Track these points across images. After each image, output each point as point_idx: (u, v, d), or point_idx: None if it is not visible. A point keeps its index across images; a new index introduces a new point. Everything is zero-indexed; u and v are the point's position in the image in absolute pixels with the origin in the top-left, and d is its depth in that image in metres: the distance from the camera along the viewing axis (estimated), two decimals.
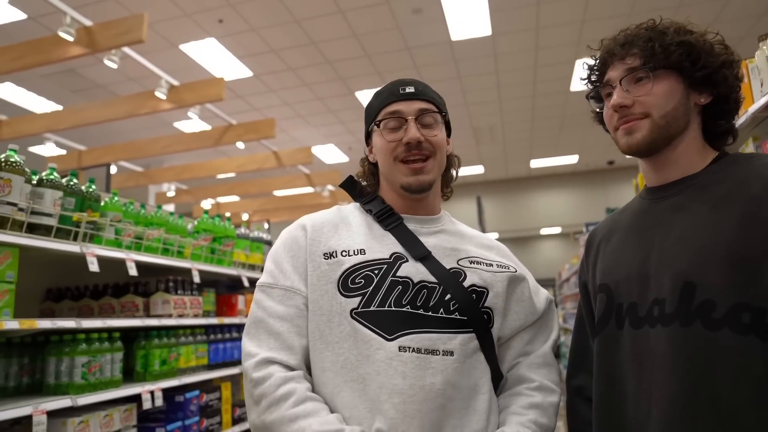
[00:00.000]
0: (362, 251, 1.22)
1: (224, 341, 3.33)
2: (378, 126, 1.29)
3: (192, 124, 9.22)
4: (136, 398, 2.56)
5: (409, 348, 1.12)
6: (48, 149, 9.31)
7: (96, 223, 2.47)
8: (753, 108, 1.91)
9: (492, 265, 1.28)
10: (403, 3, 6.27)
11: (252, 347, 1.17)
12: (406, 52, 7.46)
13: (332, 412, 1.12)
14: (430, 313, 1.16)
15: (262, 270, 1.28)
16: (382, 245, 1.24)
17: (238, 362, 3.35)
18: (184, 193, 11.73)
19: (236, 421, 3.33)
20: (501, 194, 14.33)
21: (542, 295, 1.34)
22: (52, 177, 2.26)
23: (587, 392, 1.25)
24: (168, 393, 2.81)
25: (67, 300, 2.80)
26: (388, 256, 1.22)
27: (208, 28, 6.69)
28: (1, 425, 2.06)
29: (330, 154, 11.60)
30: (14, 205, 2.04)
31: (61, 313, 2.77)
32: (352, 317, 1.15)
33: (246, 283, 3.52)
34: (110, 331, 2.52)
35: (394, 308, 1.15)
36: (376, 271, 1.19)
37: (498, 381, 1.24)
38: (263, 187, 11.39)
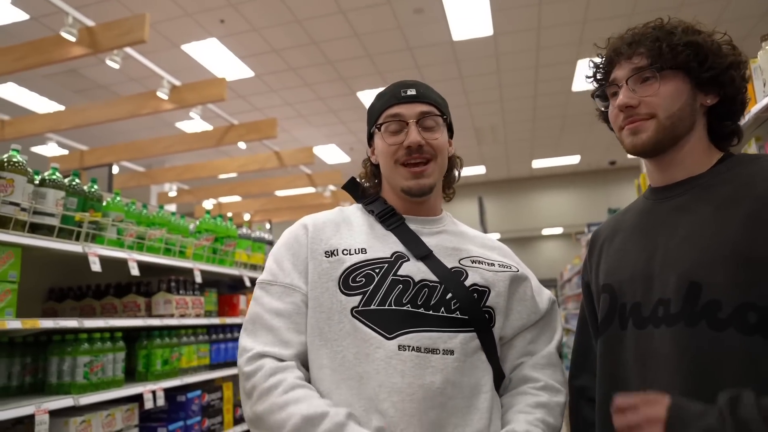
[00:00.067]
0: (363, 250, 1.23)
1: (226, 341, 3.33)
2: (379, 129, 1.29)
3: (194, 124, 9.23)
4: (138, 398, 2.56)
5: (409, 347, 1.12)
6: (50, 149, 9.33)
7: (98, 223, 2.48)
8: (756, 108, 1.91)
9: (494, 265, 1.28)
10: (405, 3, 6.27)
11: (247, 342, 1.18)
12: (408, 52, 7.46)
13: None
14: (430, 312, 1.16)
15: (263, 270, 1.28)
16: (384, 244, 1.24)
17: None
18: (186, 193, 11.74)
19: (238, 421, 3.34)
20: (502, 194, 14.32)
21: (545, 295, 1.34)
22: (54, 177, 2.27)
23: (590, 393, 1.25)
24: (170, 393, 2.81)
25: (69, 300, 2.81)
26: (389, 255, 1.22)
27: (210, 28, 6.70)
28: (3, 425, 2.06)
29: (331, 154, 11.60)
30: (17, 205, 2.04)
31: (63, 313, 2.77)
32: (353, 315, 1.16)
33: (248, 284, 3.52)
34: (112, 330, 2.53)
35: (394, 307, 1.16)
36: (377, 270, 1.19)
37: (500, 380, 1.24)
38: (265, 187, 11.40)
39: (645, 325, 1.08)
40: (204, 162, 10.36)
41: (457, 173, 1.41)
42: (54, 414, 2.08)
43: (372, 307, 1.16)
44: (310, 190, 12.16)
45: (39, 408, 1.98)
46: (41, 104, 8.52)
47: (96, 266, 2.33)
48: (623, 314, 1.14)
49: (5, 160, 2.06)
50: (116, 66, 5.40)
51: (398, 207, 1.32)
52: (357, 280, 1.19)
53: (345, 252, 1.23)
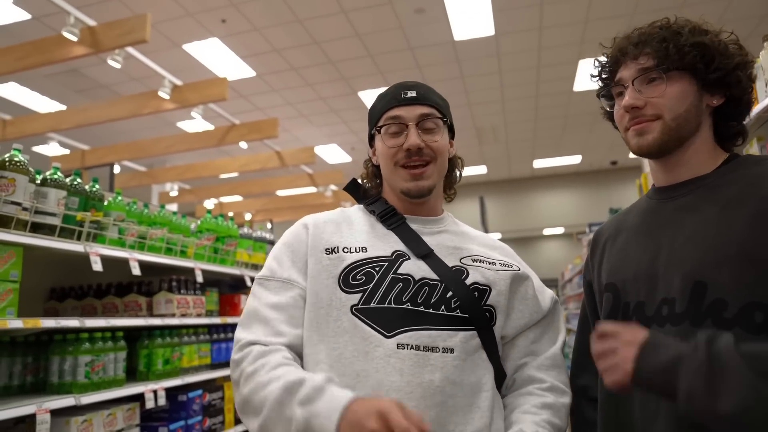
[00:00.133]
0: (364, 249, 1.23)
1: (227, 341, 3.33)
2: (379, 131, 1.30)
3: (195, 123, 9.23)
4: (139, 397, 2.56)
5: (408, 345, 1.12)
6: (52, 149, 9.34)
7: (99, 223, 2.48)
8: (757, 108, 1.91)
9: (495, 264, 1.28)
10: (406, 3, 6.27)
11: (240, 334, 1.18)
12: (409, 52, 7.45)
13: None
14: (430, 311, 1.16)
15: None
16: (384, 243, 1.25)
17: None
18: (187, 193, 11.75)
19: (239, 420, 3.34)
20: (504, 194, 14.31)
21: (547, 294, 1.34)
22: (55, 176, 2.27)
23: (592, 392, 1.25)
24: (171, 392, 2.81)
25: (70, 299, 2.81)
26: (389, 254, 1.22)
27: (211, 27, 6.70)
28: (5, 424, 2.07)
29: (333, 154, 11.60)
30: (18, 204, 2.05)
31: (64, 313, 2.78)
32: (353, 313, 1.16)
33: (249, 283, 3.52)
34: (113, 330, 2.53)
35: (394, 305, 1.16)
36: (378, 268, 1.20)
37: (501, 379, 1.23)
38: (266, 186, 11.40)
39: (649, 324, 1.08)
40: (205, 162, 10.37)
41: (458, 174, 1.41)
42: (55, 413, 2.08)
43: (372, 305, 1.16)
44: (312, 189, 12.17)
45: (40, 407, 1.98)
46: (43, 104, 8.53)
47: (97, 266, 2.33)
48: (626, 313, 1.14)
49: (7, 159, 2.06)
50: (118, 66, 5.41)
51: (399, 207, 1.32)
52: (357, 278, 1.19)
53: (345, 250, 1.23)
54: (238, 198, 12.96)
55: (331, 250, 1.23)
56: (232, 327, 3.44)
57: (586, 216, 11.86)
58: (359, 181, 1.43)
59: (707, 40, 1.10)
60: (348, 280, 1.19)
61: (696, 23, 1.13)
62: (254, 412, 1.07)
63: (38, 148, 9.57)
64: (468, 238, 1.34)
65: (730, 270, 0.99)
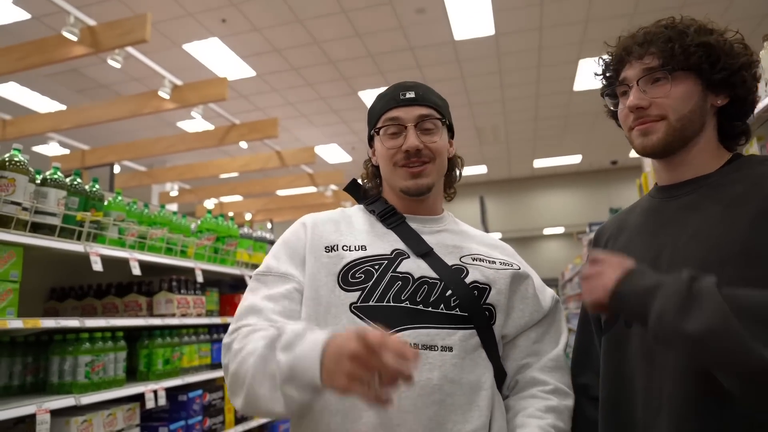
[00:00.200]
0: (363, 247, 1.23)
1: None
2: (378, 132, 1.30)
3: (195, 123, 9.23)
4: (140, 397, 2.56)
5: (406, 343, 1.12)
6: (52, 149, 9.34)
7: (99, 223, 2.48)
8: (758, 108, 1.90)
9: (495, 263, 1.28)
10: (406, 3, 6.27)
11: (232, 325, 1.19)
12: (409, 51, 7.45)
13: (318, 402, 1.12)
14: (429, 309, 1.16)
15: None
16: (384, 242, 1.25)
17: None
18: (188, 193, 11.75)
19: (239, 420, 3.34)
20: (504, 194, 14.31)
21: (548, 293, 1.34)
22: (55, 176, 2.27)
23: (592, 391, 1.25)
24: (171, 392, 2.81)
25: (70, 299, 2.81)
26: (389, 252, 1.23)
27: (211, 27, 6.70)
28: (5, 424, 2.06)
29: (333, 153, 11.60)
30: (18, 204, 2.04)
31: (64, 313, 2.78)
32: (351, 311, 1.16)
33: None
34: (114, 330, 2.53)
35: (393, 303, 1.16)
36: (377, 267, 1.20)
37: (501, 378, 1.23)
38: (266, 186, 11.41)
39: None
40: (205, 161, 10.37)
41: (458, 173, 1.41)
42: (55, 413, 2.08)
43: (371, 303, 1.16)
44: (312, 189, 12.17)
45: (40, 407, 1.98)
46: (43, 104, 8.54)
47: (97, 266, 2.33)
48: None
49: (7, 159, 2.06)
50: (118, 65, 5.41)
51: (399, 207, 1.32)
52: (356, 276, 1.19)
53: (345, 248, 1.23)
54: (238, 198, 12.96)
55: (330, 249, 1.23)
56: None
57: (587, 216, 11.87)
58: (359, 181, 1.43)
59: (713, 40, 1.09)
60: (347, 278, 1.19)
61: (701, 22, 1.13)
62: (241, 383, 1.07)
63: (38, 148, 9.57)
64: (468, 237, 1.34)
65: (734, 268, 0.98)
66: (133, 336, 2.78)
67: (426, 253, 1.23)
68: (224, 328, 3.38)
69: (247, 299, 1.23)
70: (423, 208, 1.32)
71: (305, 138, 10.58)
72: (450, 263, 1.23)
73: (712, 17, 1.15)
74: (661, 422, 1.03)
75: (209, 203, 12.28)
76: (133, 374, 2.73)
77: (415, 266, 1.21)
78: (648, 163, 4.78)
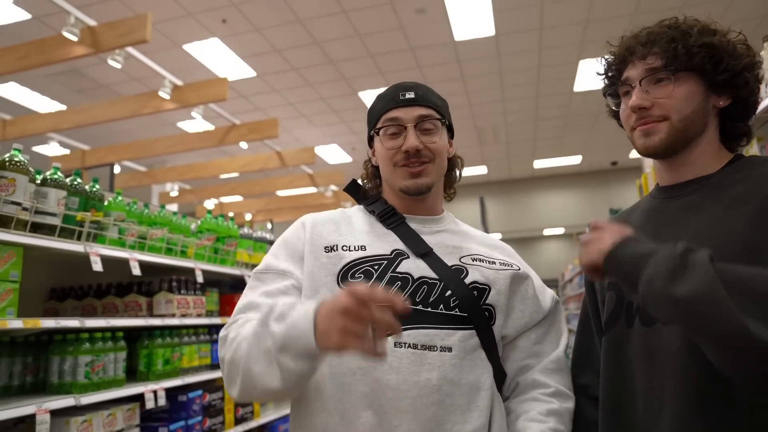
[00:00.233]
0: (363, 247, 1.23)
1: None
2: (378, 133, 1.30)
3: (195, 123, 9.24)
4: (139, 398, 2.56)
5: (405, 344, 1.12)
6: (52, 149, 9.34)
7: (99, 223, 2.48)
8: (758, 109, 1.90)
9: (495, 263, 1.28)
10: (407, 3, 6.27)
11: (229, 320, 1.19)
12: (410, 52, 7.45)
13: (317, 401, 1.13)
14: (429, 309, 1.16)
15: None
16: (384, 242, 1.25)
17: None
18: (188, 193, 11.76)
19: (239, 420, 3.34)
20: (504, 195, 14.31)
21: (548, 294, 1.34)
22: (56, 176, 2.27)
23: (592, 391, 1.25)
24: (171, 392, 2.81)
25: (70, 299, 2.81)
26: (388, 252, 1.23)
27: (212, 27, 6.71)
28: (5, 424, 2.06)
29: (333, 154, 11.61)
30: (18, 204, 2.04)
31: (64, 313, 2.78)
32: None
33: None
34: (113, 330, 2.53)
35: None
36: (376, 267, 1.20)
37: (501, 379, 1.23)
38: (266, 187, 11.41)
39: (653, 322, 1.08)
40: (205, 162, 10.38)
41: (458, 173, 1.41)
42: (55, 413, 2.08)
43: None
44: (312, 190, 12.18)
45: (40, 407, 1.98)
46: (43, 104, 8.54)
47: (97, 266, 2.33)
48: (630, 312, 1.14)
49: (7, 159, 2.06)
50: (118, 66, 5.41)
51: (399, 207, 1.32)
52: (356, 276, 1.19)
53: (345, 248, 1.23)
54: (238, 198, 12.97)
55: (330, 249, 1.23)
56: None
57: (587, 216, 11.87)
58: (359, 181, 1.43)
59: (716, 41, 1.09)
60: (347, 278, 1.19)
61: (705, 23, 1.13)
62: (236, 368, 1.07)
63: (38, 148, 9.57)
64: (468, 238, 1.34)
65: None
66: (133, 336, 2.78)
67: (426, 253, 1.23)
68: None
69: (245, 296, 1.23)
70: (423, 208, 1.32)
71: (305, 138, 10.58)
72: (450, 263, 1.23)
73: (712, 18, 1.15)
74: (662, 422, 1.03)
75: (209, 203, 12.29)
76: (133, 374, 2.72)
77: (414, 266, 1.21)
78: (648, 164, 4.78)
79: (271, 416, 3.62)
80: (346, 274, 1.19)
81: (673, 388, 1.02)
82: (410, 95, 1.27)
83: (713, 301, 0.85)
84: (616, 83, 1.20)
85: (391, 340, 1.12)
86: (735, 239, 1.00)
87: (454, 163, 1.38)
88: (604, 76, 1.24)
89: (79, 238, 2.34)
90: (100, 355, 2.36)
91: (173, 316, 2.84)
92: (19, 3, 5.97)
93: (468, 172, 12.94)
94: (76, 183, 2.38)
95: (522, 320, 1.27)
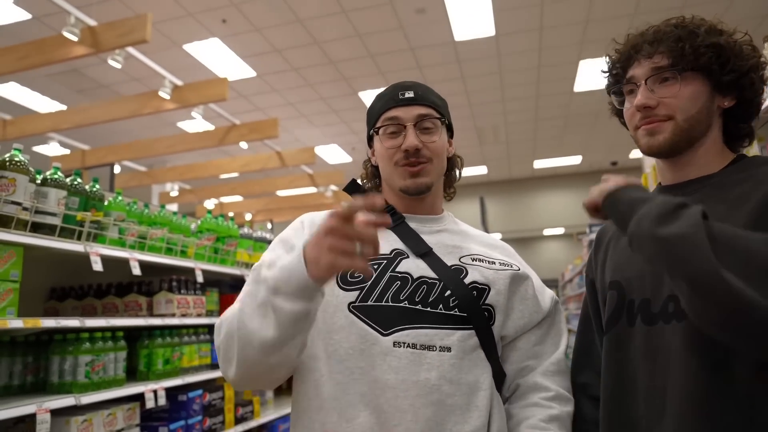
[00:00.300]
0: None
1: None
2: (377, 132, 1.30)
3: (195, 123, 9.24)
4: (140, 397, 2.56)
5: (404, 343, 1.12)
6: (52, 149, 9.34)
7: (100, 223, 2.48)
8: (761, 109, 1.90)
9: (494, 263, 1.28)
10: (407, 3, 6.27)
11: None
12: (410, 52, 7.46)
13: (315, 399, 1.13)
14: (428, 309, 1.16)
15: None
16: (383, 241, 1.24)
17: None
18: (188, 193, 11.76)
19: (239, 420, 3.34)
20: (504, 195, 14.31)
21: (547, 294, 1.33)
22: (56, 176, 2.27)
23: (592, 390, 1.25)
24: (171, 392, 2.81)
25: (70, 299, 2.81)
26: (388, 252, 1.22)
27: (212, 28, 6.71)
28: (5, 424, 2.07)
29: (333, 154, 11.61)
30: (18, 204, 2.05)
31: (64, 312, 2.78)
32: (350, 310, 1.16)
33: None
34: (114, 330, 2.53)
35: (391, 303, 1.15)
36: (376, 266, 1.20)
37: (500, 379, 1.23)
38: (266, 187, 11.41)
39: (655, 321, 1.08)
40: (205, 162, 10.38)
41: (457, 173, 1.40)
42: (55, 413, 2.08)
43: (369, 302, 1.16)
44: (312, 190, 12.17)
45: (40, 407, 1.98)
46: (43, 104, 8.54)
47: (97, 266, 2.33)
48: (631, 311, 1.14)
49: (7, 159, 2.06)
50: (118, 66, 5.41)
51: (399, 206, 1.32)
52: (355, 275, 1.19)
53: None
54: (238, 198, 12.97)
55: None
56: None
57: (586, 216, 11.82)
58: (359, 181, 1.43)
59: (723, 41, 1.09)
60: (346, 277, 1.19)
61: (711, 23, 1.12)
62: (231, 341, 1.07)
63: (38, 148, 9.57)
64: (468, 238, 1.34)
65: None
66: (133, 336, 2.78)
67: (425, 253, 1.23)
68: None
69: (243, 291, 1.23)
70: (422, 207, 1.32)
71: (305, 138, 10.59)
72: (449, 263, 1.23)
73: (712, 17, 1.15)
74: (664, 421, 1.03)
75: (209, 203, 12.29)
76: (133, 374, 2.72)
77: (414, 266, 1.21)
78: (648, 164, 4.78)
79: (271, 416, 3.62)
80: (345, 273, 1.19)
81: (675, 386, 1.02)
82: (410, 94, 1.27)
83: (692, 242, 0.88)
84: (620, 81, 1.19)
85: (390, 339, 1.12)
86: None
87: (453, 162, 1.38)
88: (608, 74, 1.24)
89: (79, 238, 2.34)
90: (101, 355, 2.36)
91: (173, 315, 2.84)
92: (19, 3, 5.97)
93: (468, 172, 12.95)
94: (76, 183, 2.38)
95: (521, 320, 1.27)
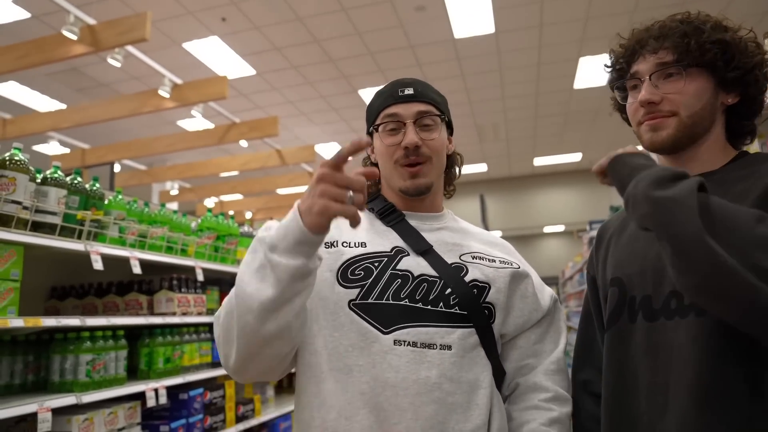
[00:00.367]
0: (363, 244, 1.23)
1: None
2: (377, 129, 1.29)
3: (195, 122, 9.23)
4: (141, 396, 2.57)
5: (405, 342, 1.12)
6: (52, 148, 9.34)
7: (100, 222, 2.48)
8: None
9: (495, 261, 1.28)
10: (406, 0, 6.27)
11: None
12: (410, 50, 7.45)
13: (316, 396, 1.13)
14: (429, 307, 1.16)
15: None
16: (384, 239, 1.25)
17: None
18: (188, 192, 11.76)
19: (240, 418, 3.34)
20: (504, 192, 14.30)
21: (547, 293, 1.33)
22: (56, 175, 2.27)
23: (593, 387, 1.25)
24: (172, 391, 2.81)
25: (71, 298, 2.81)
26: (389, 250, 1.22)
27: (211, 26, 6.70)
28: (6, 423, 2.07)
29: (333, 152, 11.54)
30: (19, 203, 2.05)
31: (65, 311, 2.78)
32: (350, 308, 1.15)
33: None
34: (114, 329, 2.53)
35: (392, 301, 1.15)
36: (376, 264, 1.19)
37: (500, 377, 1.23)
38: (266, 185, 11.41)
39: (656, 317, 1.08)
40: (205, 160, 10.38)
41: (457, 170, 1.40)
42: (56, 412, 2.08)
43: (370, 300, 1.16)
44: None
45: (42, 406, 1.99)
46: (43, 103, 8.54)
47: (98, 264, 2.33)
48: (632, 307, 1.14)
49: (7, 158, 2.06)
50: (118, 64, 5.41)
51: (398, 204, 1.32)
52: (356, 273, 1.18)
53: (345, 244, 1.23)
54: (238, 196, 12.97)
55: (330, 244, 1.23)
56: None
57: (587, 214, 11.86)
58: None
59: (728, 38, 1.08)
60: (347, 274, 1.19)
61: (717, 19, 1.12)
62: (230, 322, 1.06)
63: (38, 147, 9.57)
64: (468, 235, 1.34)
65: None
66: (133, 335, 2.78)
67: (426, 250, 1.23)
68: None
69: (241, 264, 1.23)
70: (423, 205, 1.32)
71: (305, 136, 10.58)
72: (450, 261, 1.23)
73: (712, 14, 1.15)
74: (666, 418, 1.03)
75: (209, 202, 12.28)
76: (134, 373, 2.73)
77: (414, 264, 1.20)
78: None
79: (272, 414, 3.62)
80: (345, 270, 1.19)
81: (677, 383, 1.02)
82: (409, 91, 1.27)
83: (681, 205, 0.89)
84: (624, 76, 1.19)
85: (390, 338, 1.12)
86: None
87: (453, 160, 1.38)
88: (611, 69, 1.23)
89: (79, 237, 2.34)
90: (101, 354, 2.36)
91: (174, 314, 2.84)
92: (18, 2, 5.96)
93: (468, 169, 12.94)
94: (76, 182, 2.38)
95: (521, 318, 1.27)
